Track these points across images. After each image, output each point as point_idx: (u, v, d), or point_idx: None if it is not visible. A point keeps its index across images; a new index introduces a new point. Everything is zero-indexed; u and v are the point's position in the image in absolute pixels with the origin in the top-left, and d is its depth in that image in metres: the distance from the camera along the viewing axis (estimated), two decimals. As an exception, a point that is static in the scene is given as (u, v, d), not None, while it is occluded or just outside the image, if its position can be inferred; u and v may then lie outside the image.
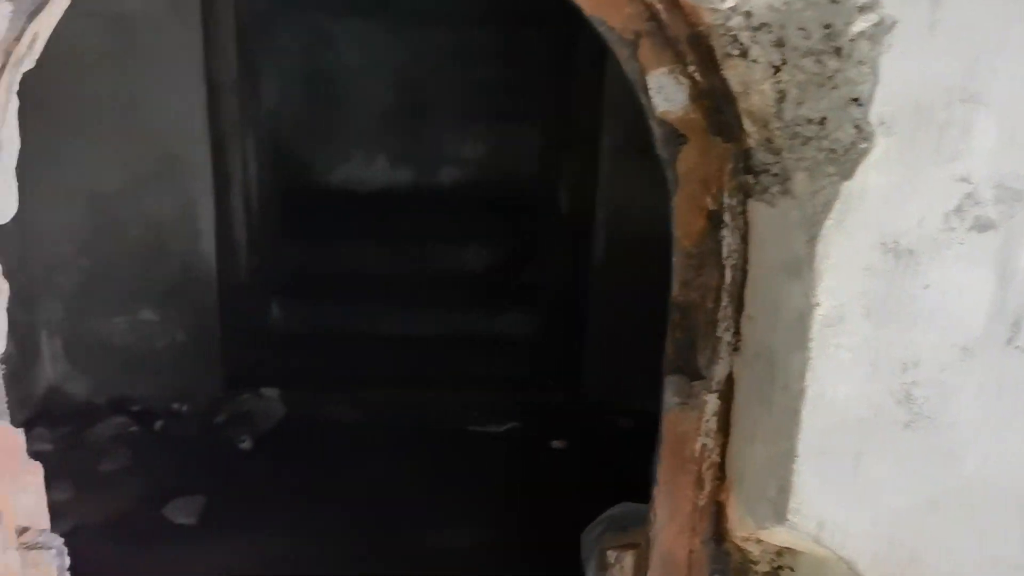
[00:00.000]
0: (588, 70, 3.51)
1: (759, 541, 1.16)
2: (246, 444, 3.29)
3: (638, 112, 3.61)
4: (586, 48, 3.51)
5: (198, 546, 2.69)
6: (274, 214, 4.14)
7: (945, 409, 0.94)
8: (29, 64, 1.19)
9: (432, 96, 5.18)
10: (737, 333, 1.14)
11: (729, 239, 1.12)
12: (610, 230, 3.63)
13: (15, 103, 1.26)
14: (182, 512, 2.83)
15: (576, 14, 3.56)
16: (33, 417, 3.32)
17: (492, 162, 5.17)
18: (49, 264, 3.35)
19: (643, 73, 1.06)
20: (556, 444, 3.50)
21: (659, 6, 0.99)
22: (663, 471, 1.21)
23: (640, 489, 3.17)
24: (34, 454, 3.02)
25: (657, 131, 1.09)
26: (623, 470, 3.34)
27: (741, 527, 1.16)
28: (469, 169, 5.21)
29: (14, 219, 1.51)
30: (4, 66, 1.03)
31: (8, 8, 1.01)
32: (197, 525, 2.79)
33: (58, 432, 3.26)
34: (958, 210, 0.89)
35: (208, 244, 3.41)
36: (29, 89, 1.41)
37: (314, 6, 4.83)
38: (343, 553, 2.71)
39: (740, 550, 1.19)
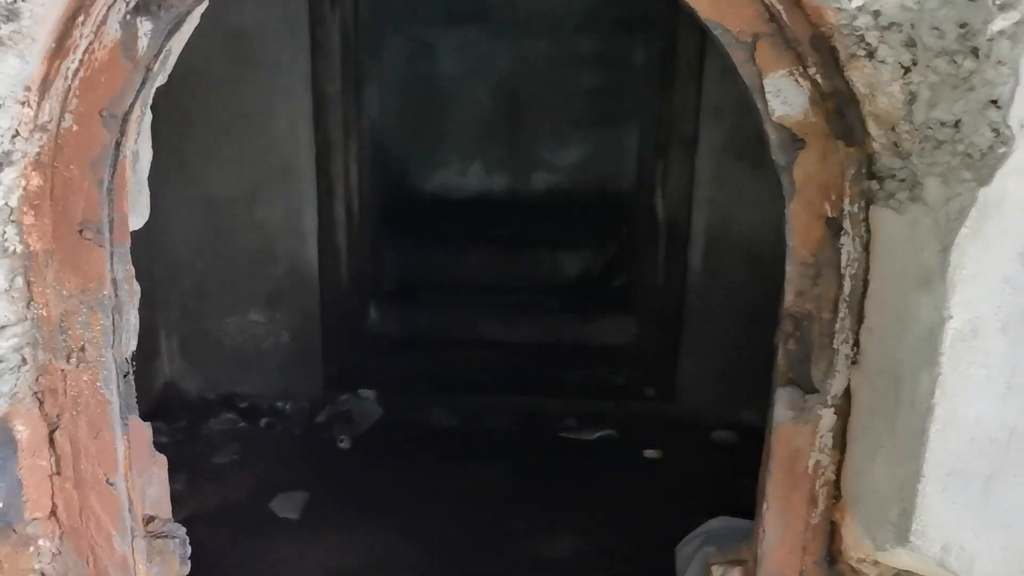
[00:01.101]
0: (687, 74, 3.45)
1: (876, 563, 1.11)
2: (345, 444, 3.40)
3: (738, 116, 3.51)
4: (685, 52, 3.45)
5: (300, 540, 2.79)
6: (374, 220, 4.26)
7: (1093, 433, 0.87)
8: (162, 79, 1.27)
9: (529, 103, 5.22)
10: (856, 346, 1.09)
11: (849, 247, 1.07)
12: (708, 236, 3.56)
13: (149, 116, 1.34)
14: (286, 507, 2.94)
15: (675, 19, 3.48)
16: (151, 411, 3.53)
17: (588, 168, 5.17)
18: (169, 267, 3.56)
19: (761, 76, 1.03)
20: (650, 453, 3.45)
21: (779, 7, 0.97)
22: (773, 487, 1.17)
23: (735, 503, 3.08)
24: (155, 446, 3.21)
25: (773, 136, 1.06)
26: (718, 483, 3.27)
27: (857, 548, 1.11)
28: (565, 175, 5.22)
29: (143, 225, 1.61)
30: (144, 81, 1.11)
31: (148, 27, 1.09)
32: (299, 520, 2.89)
33: (174, 426, 3.46)
34: (1110, 218, 0.83)
35: (311, 249, 3.55)
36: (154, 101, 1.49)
37: (417, 17, 4.96)
38: (438, 556, 2.75)
39: (854, 571, 1.14)
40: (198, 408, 3.58)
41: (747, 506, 3.14)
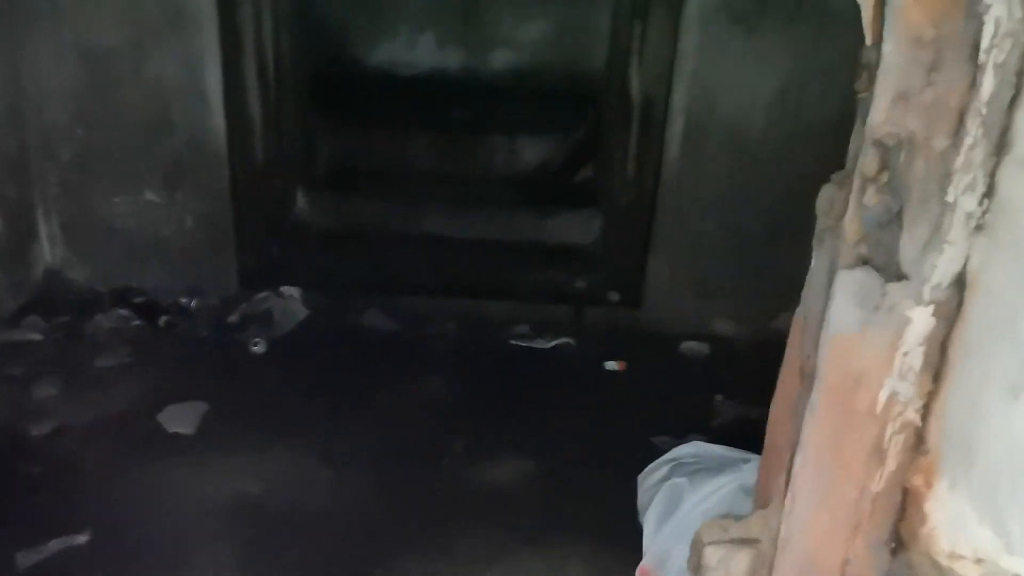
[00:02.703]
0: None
1: (979, 561, 0.67)
2: (259, 348, 2.92)
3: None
4: None
5: (192, 460, 2.33)
6: (299, 90, 3.64)
7: None
8: None
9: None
10: (989, 196, 0.61)
11: (999, 10, 0.58)
12: (689, 118, 3.04)
13: None
14: (178, 420, 2.47)
15: None
16: (29, 303, 2.99)
17: (555, 45, 4.54)
18: (43, 132, 2.94)
19: None
20: (611, 365, 3.04)
21: None
22: (814, 429, 0.71)
23: (705, 423, 2.69)
24: (24, 344, 2.67)
25: None
26: (686, 400, 2.87)
27: (956, 536, 0.66)
28: (527, 52, 4.59)
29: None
30: None
31: None
32: (194, 435, 2.43)
33: (54, 322, 2.92)
34: None
35: (217, 116, 2.95)
36: None
37: None
38: (359, 481, 2.33)
39: (937, 568, 0.70)
40: (86, 302, 3.04)
41: (719, 427, 2.76)
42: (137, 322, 2.98)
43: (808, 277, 0.93)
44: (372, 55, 4.60)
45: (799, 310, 0.93)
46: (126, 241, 3.06)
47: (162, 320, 3.00)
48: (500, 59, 4.66)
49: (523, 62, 4.62)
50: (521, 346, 3.14)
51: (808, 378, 0.74)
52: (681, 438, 2.58)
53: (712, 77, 2.96)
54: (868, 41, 0.76)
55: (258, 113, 3.08)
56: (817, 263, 0.86)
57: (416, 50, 4.63)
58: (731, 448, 1.96)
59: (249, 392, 2.70)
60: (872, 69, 0.73)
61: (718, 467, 1.86)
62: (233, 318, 3.11)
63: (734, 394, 2.87)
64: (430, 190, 3.84)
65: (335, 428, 2.56)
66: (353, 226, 3.68)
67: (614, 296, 3.38)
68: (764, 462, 0.98)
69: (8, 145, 2.85)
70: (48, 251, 3.08)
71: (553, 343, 3.15)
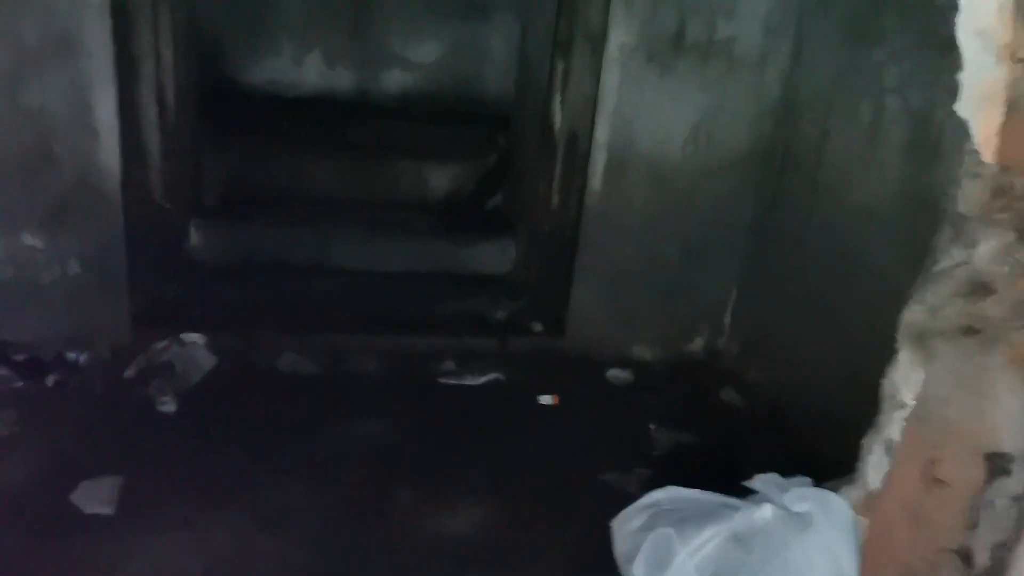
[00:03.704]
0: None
1: None
2: (168, 406, 2.63)
3: (651, 8, 2.99)
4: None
5: (121, 542, 2.06)
6: (194, 116, 3.34)
7: None
8: None
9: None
10: None
11: None
12: (612, 152, 3.09)
13: None
14: (95, 498, 2.18)
15: None
16: None
17: (448, 66, 4.46)
18: None
19: None
20: (545, 400, 3.02)
21: None
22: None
23: (645, 453, 2.72)
24: None
25: None
26: (622, 430, 2.91)
27: None
28: (422, 74, 4.49)
29: None
30: None
31: None
32: (115, 515, 2.15)
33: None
34: None
35: (110, 150, 2.64)
36: None
37: None
38: (307, 549, 2.16)
39: None
40: (-47, 364, 2.62)
41: (660, 459, 2.81)
42: (20, 383, 2.60)
43: (899, 374, 0.96)
44: (253, 72, 4.31)
45: (913, 414, 0.95)
46: (1, 291, 2.66)
47: (50, 379, 2.64)
48: (393, 80, 4.52)
49: (417, 84, 4.51)
50: (451, 383, 3.06)
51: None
52: (628, 472, 2.63)
53: (632, 113, 3.03)
54: (989, 160, 0.79)
55: (156, 144, 2.79)
56: (933, 370, 0.89)
57: (303, 68, 4.39)
58: (707, 492, 1.98)
59: (166, 458, 2.43)
60: (1010, 193, 0.76)
61: (702, 514, 1.88)
62: (130, 372, 2.80)
63: (664, 421, 2.95)
64: (336, 218, 3.65)
65: (269, 490, 2.35)
66: (255, 260, 3.42)
67: (537, 326, 3.37)
68: (870, 559, 1.00)
69: None
70: (-99, 306, 2.62)
71: (483, 379, 3.09)
